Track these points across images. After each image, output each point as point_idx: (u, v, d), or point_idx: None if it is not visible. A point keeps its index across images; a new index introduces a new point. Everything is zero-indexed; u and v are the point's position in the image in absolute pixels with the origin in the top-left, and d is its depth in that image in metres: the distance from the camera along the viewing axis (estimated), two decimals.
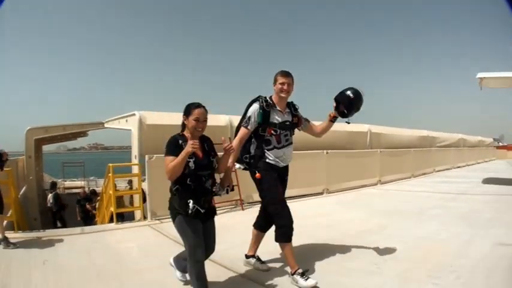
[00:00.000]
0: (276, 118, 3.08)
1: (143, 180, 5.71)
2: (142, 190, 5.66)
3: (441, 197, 7.94)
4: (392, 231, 4.83)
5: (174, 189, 2.52)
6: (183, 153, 2.37)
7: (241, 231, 4.58)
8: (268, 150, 3.07)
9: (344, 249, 3.93)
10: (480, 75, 9.29)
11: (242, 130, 3.06)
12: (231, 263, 3.39)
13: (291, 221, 3.03)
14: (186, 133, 2.59)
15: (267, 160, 3.07)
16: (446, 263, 3.49)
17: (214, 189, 2.68)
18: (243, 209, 6.14)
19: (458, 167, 16.39)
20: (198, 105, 2.57)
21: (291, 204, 5.85)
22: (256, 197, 6.35)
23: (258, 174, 3.03)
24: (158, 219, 5.27)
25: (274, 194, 3.06)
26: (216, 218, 5.69)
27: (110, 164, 5.80)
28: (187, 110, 2.57)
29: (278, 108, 3.11)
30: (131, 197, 6.92)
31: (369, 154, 9.93)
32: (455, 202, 7.17)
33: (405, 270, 3.30)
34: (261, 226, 3.32)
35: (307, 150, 7.52)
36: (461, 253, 3.84)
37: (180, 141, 2.50)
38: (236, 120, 6.94)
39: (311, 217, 5.59)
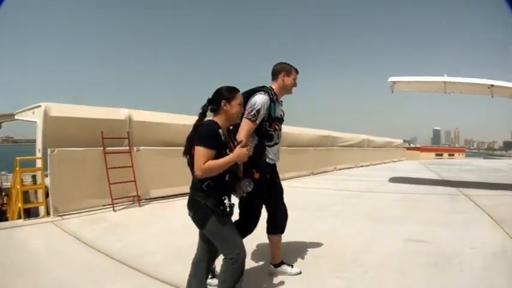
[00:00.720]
0: (278, 112, 2.94)
1: (47, 175, 5.57)
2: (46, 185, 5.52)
3: (343, 194, 7.98)
4: (292, 226, 4.76)
5: (204, 185, 2.16)
6: (231, 158, 2.18)
7: (138, 228, 4.73)
8: (269, 146, 2.89)
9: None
10: (392, 79, 9.74)
11: (249, 124, 2.71)
12: (129, 260, 3.38)
13: (250, 231, 2.92)
14: (218, 121, 2.28)
15: (267, 159, 2.88)
16: (352, 257, 3.52)
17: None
18: (140, 205, 6.09)
19: (362, 166, 16.82)
20: (238, 89, 2.39)
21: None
22: (154, 193, 6.48)
23: (257, 174, 2.69)
24: (60, 216, 5.16)
25: (257, 205, 2.91)
26: (113, 215, 5.55)
27: (17, 158, 5.62)
28: (228, 95, 2.30)
29: (279, 101, 3.00)
30: (36, 192, 6.56)
31: None
32: (359, 199, 7.25)
33: (308, 265, 3.31)
34: (272, 228, 3.12)
35: None
36: (368, 248, 3.85)
37: (220, 132, 2.21)
38: (136, 114, 6.62)
39: None
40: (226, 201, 2.21)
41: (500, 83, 9.67)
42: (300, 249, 3.76)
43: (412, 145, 37.52)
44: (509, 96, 10.75)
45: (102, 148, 5.87)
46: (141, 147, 6.48)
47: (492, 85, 9.57)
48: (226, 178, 2.23)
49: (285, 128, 11.24)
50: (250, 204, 2.79)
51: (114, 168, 5.84)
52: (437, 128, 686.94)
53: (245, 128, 2.71)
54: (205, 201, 2.17)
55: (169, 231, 4.50)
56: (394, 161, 22.68)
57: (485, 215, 5.94)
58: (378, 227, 4.88)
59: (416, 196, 7.97)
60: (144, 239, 4.01)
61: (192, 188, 2.26)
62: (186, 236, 4.12)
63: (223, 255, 2.27)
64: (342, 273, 3.10)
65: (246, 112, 2.70)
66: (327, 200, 7.22)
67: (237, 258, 2.22)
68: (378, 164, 19.27)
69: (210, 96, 2.35)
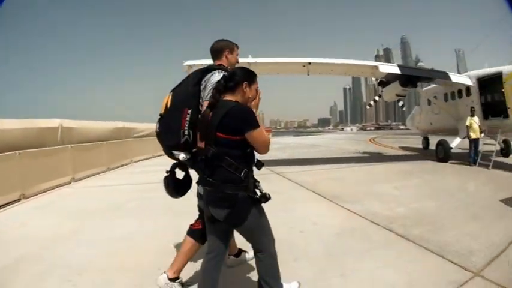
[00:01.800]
0: None
1: None
2: None
3: (140, 188, 7.37)
4: (87, 235, 4.33)
5: (242, 175, 2.03)
6: (257, 111, 2.24)
7: None
8: None
9: (34, 267, 3.35)
10: (188, 62, 9.16)
11: None
12: None
13: None
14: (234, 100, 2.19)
15: None
16: (151, 264, 3.12)
17: None
18: None
19: (160, 155, 15.46)
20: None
21: None
22: None
23: None
24: None
25: None
26: None
27: None
28: (250, 77, 2.23)
29: None
30: None
31: (60, 151, 8.85)
32: (157, 192, 5.58)
33: (104, 282, 2.90)
34: (201, 234, 2.65)
35: None
36: (168, 250, 3.41)
37: None
38: None
39: (4, 231, 4.74)
40: (261, 188, 2.13)
41: (317, 59, 9.80)
42: (94, 264, 3.29)
43: None
44: (327, 73, 11.19)
45: None
46: None
47: (309, 63, 9.69)
48: (252, 160, 2.15)
49: (73, 123, 10.25)
50: None
51: None
52: None
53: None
54: (245, 192, 2.04)
55: None
56: None
57: (309, 192, 5.70)
58: (180, 221, 4.28)
59: None
60: None
61: (222, 181, 2.02)
62: None
63: (262, 249, 2.16)
64: (145, 286, 2.77)
65: (212, 92, 2.41)
66: (123, 196, 6.62)
67: (275, 251, 2.20)
68: None
69: (226, 74, 2.25)
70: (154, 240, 3.85)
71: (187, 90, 2.51)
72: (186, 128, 2.41)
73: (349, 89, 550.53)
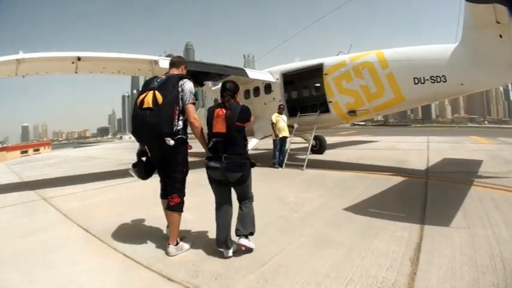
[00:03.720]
0: None
1: None
2: None
3: None
4: None
5: (246, 149, 3.30)
6: None
7: None
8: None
9: None
10: None
11: (193, 107, 3.40)
12: None
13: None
14: None
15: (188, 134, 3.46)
16: None
17: None
18: None
19: None
20: None
21: None
22: None
23: (190, 146, 3.48)
24: None
25: (188, 168, 3.57)
26: None
27: None
28: (238, 87, 3.48)
29: None
30: None
31: None
32: None
33: None
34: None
35: None
36: None
37: None
38: None
39: None
40: None
41: (87, 53, 8.04)
42: None
43: (5, 145, 36.41)
44: (98, 71, 9.22)
45: None
46: None
47: (79, 58, 7.88)
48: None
49: None
50: (185, 175, 3.55)
51: None
52: (25, 124, 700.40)
53: (194, 110, 3.40)
54: (249, 160, 3.27)
55: None
56: None
57: (78, 229, 4.37)
58: None
59: None
60: None
61: (237, 154, 3.19)
62: None
63: (248, 198, 3.37)
64: None
65: (190, 98, 3.36)
66: None
67: (251, 196, 3.44)
68: None
69: (228, 89, 3.36)
70: None
71: (173, 92, 3.30)
72: (177, 120, 3.27)
73: (128, 96, 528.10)
